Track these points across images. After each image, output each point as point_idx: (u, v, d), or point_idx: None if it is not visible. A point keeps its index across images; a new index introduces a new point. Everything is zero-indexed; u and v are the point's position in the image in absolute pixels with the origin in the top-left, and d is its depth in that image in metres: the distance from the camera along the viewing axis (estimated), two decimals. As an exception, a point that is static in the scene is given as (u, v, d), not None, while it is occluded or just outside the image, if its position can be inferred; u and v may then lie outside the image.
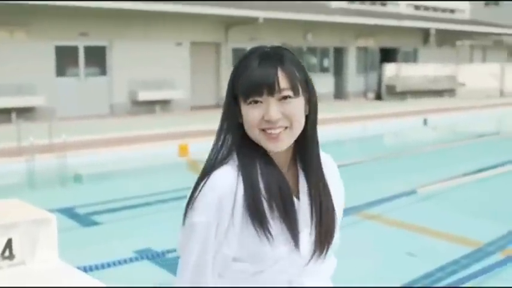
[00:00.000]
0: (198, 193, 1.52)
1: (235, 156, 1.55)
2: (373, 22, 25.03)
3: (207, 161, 1.58)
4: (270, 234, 1.49)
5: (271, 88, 1.48)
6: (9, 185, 10.20)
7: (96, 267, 5.66)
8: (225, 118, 1.59)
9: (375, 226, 7.70)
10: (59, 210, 8.18)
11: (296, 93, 1.52)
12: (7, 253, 3.63)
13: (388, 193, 9.03)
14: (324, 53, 26.12)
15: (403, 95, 26.67)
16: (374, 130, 16.86)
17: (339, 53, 26.61)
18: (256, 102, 1.50)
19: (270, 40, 23.22)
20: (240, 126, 1.55)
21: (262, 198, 1.51)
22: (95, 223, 7.86)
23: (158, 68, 19.91)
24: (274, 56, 1.53)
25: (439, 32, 28.70)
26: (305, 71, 1.58)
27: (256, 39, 22.73)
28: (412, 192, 9.18)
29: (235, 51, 22.48)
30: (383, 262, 6.37)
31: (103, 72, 19.06)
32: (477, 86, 29.39)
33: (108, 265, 5.78)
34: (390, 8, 30.10)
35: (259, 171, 1.53)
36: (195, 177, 1.60)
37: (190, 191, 1.56)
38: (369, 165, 12.13)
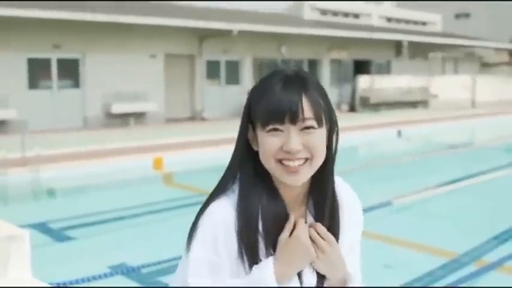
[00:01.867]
0: (198, 225, 1.45)
1: (236, 186, 1.47)
2: (346, 34, 25.21)
3: (214, 188, 1.51)
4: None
5: (294, 116, 1.37)
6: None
7: (71, 283, 5.57)
8: (239, 146, 1.49)
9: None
10: (31, 225, 8.05)
11: (320, 124, 1.41)
12: (-22, 270, 3.55)
13: (364, 205, 9.00)
14: (298, 65, 26.07)
15: (377, 106, 26.87)
16: (348, 142, 16.89)
17: (313, 65, 26.74)
18: (276, 130, 1.39)
19: (244, 52, 23.28)
20: (255, 155, 1.46)
21: (259, 237, 1.43)
22: (69, 238, 7.75)
23: (132, 80, 19.80)
24: (298, 81, 1.42)
25: (411, 44, 29.01)
26: (329, 100, 1.48)
27: (230, 51, 22.75)
28: (388, 203, 9.21)
29: (210, 63, 22.47)
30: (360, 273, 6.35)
31: (76, 84, 18.90)
32: (449, 97, 29.74)
33: (83, 281, 5.69)
34: (363, 20, 30.40)
35: (260, 206, 1.43)
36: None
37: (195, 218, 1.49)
38: (342, 177, 12.13)
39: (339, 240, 1.53)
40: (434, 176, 11.99)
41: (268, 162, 1.42)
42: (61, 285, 5.29)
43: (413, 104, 28.84)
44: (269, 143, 1.40)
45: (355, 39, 26.15)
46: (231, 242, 1.41)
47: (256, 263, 1.42)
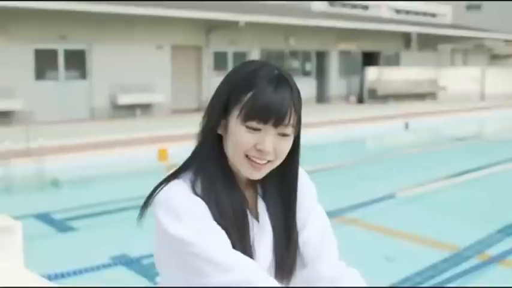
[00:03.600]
0: (168, 204, 1.42)
1: (189, 174, 1.47)
2: (354, 26, 25.09)
3: (178, 168, 1.51)
4: None
5: (278, 122, 1.40)
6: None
7: (75, 273, 5.59)
8: (209, 130, 1.48)
9: (353, 230, 7.66)
10: (34, 215, 8.10)
11: (294, 131, 1.46)
12: (-31, 261, 3.54)
13: (368, 197, 9.02)
14: (306, 56, 26.14)
15: (385, 98, 26.76)
16: (355, 134, 16.87)
17: (321, 56, 26.64)
18: (255, 128, 1.40)
19: (252, 44, 23.22)
20: (219, 139, 1.47)
21: (217, 218, 1.44)
22: (72, 229, 7.76)
23: (139, 71, 19.80)
24: (287, 86, 1.43)
25: (420, 36, 28.85)
26: (301, 105, 1.50)
27: (237, 42, 22.70)
28: (391, 196, 9.17)
29: (217, 54, 22.42)
30: (361, 266, 6.32)
31: (83, 75, 18.92)
32: (458, 89, 29.56)
33: (84, 271, 5.70)
34: (372, 11, 30.26)
35: (218, 192, 1.45)
36: None
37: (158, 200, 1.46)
38: (349, 169, 12.12)
39: (297, 211, 1.58)
40: (440, 169, 11.93)
41: (237, 155, 1.43)
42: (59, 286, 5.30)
43: (421, 96, 28.70)
44: (245, 139, 1.41)
45: (364, 30, 26.02)
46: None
47: None
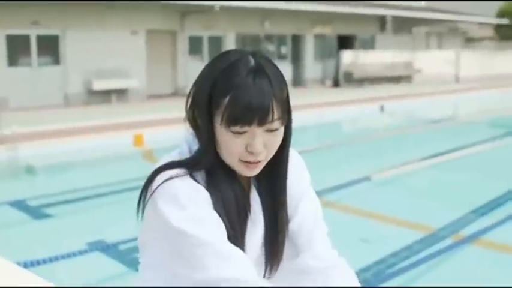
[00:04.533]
0: (168, 192, 1.38)
1: (188, 163, 1.43)
2: (330, 9, 25.08)
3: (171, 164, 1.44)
4: None
5: (263, 119, 1.35)
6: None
7: (50, 260, 5.56)
8: (200, 139, 1.44)
9: (329, 213, 7.69)
10: (9, 203, 8.03)
11: (283, 123, 1.41)
12: None
13: (343, 180, 9.07)
14: (281, 40, 26.11)
15: (361, 82, 26.85)
16: (331, 117, 16.93)
17: (297, 40, 26.63)
18: (240, 132, 1.36)
19: (227, 28, 23.13)
20: (214, 145, 1.42)
21: (222, 213, 1.42)
22: (47, 215, 7.71)
23: (114, 57, 19.62)
24: (266, 79, 1.37)
25: (395, 19, 28.94)
26: (287, 86, 1.45)
27: (213, 27, 22.59)
28: (366, 178, 9.24)
29: (192, 39, 22.30)
30: (337, 248, 6.37)
31: (56, 61, 18.69)
32: (433, 72, 29.75)
33: (60, 258, 5.67)
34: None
35: (220, 181, 1.43)
36: (150, 167, 1.50)
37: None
38: (324, 152, 12.18)
39: (288, 195, 1.55)
40: (415, 151, 12.04)
41: (231, 160, 1.42)
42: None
43: (397, 79, 28.85)
44: (234, 145, 1.38)
45: (339, 14, 26.03)
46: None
47: None
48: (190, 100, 1.45)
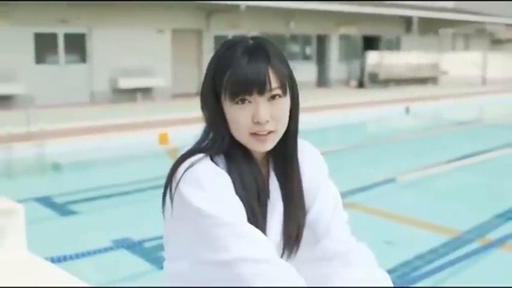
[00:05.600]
0: (190, 176, 1.41)
1: (207, 151, 1.47)
2: (355, 10, 24.99)
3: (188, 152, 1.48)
4: None
5: (261, 87, 1.41)
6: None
7: (77, 256, 5.61)
8: (212, 122, 1.49)
9: (353, 214, 7.66)
10: (36, 199, 8.12)
11: (284, 92, 1.45)
12: (-27, 245, 3.56)
13: (368, 181, 9.03)
14: (306, 40, 26.06)
15: (386, 83, 26.71)
16: (356, 118, 16.86)
17: (322, 40, 26.56)
18: (244, 101, 1.42)
19: (252, 28, 23.14)
20: (226, 126, 1.47)
21: (244, 197, 1.45)
22: (73, 212, 7.78)
23: (139, 55, 19.74)
24: (262, 51, 1.44)
25: (421, 20, 28.73)
26: (289, 66, 1.51)
27: (238, 26, 22.61)
28: (392, 180, 9.18)
29: (217, 38, 22.35)
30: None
31: (83, 59, 18.87)
32: (459, 74, 29.49)
33: (86, 254, 5.73)
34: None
35: (240, 165, 1.47)
36: None
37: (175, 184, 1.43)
38: (349, 153, 12.13)
39: (305, 186, 1.59)
40: (441, 153, 11.94)
41: (241, 135, 1.45)
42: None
43: (422, 81, 28.65)
44: (241, 117, 1.43)
45: (365, 14, 25.91)
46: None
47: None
48: (200, 93, 1.53)
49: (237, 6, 20.61)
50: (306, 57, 25.96)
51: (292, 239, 1.55)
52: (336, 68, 26.95)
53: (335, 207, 1.65)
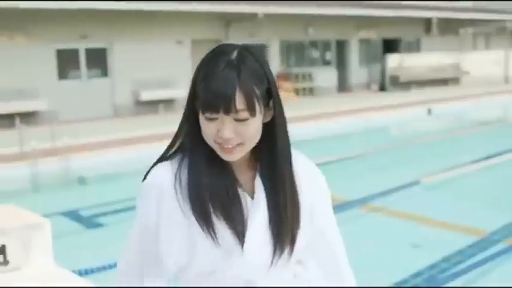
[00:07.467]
0: (143, 181, 1.60)
1: (179, 155, 1.58)
2: (373, 13, 24.92)
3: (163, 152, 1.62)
4: (214, 232, 1.48)
5: (227, 108, 1.43)
6: (12, 190, 10.19)
7: (104, 268, 5.67)
8: (185, 119, 1.59)
9: (379, 218, 7.66)
10: (62, 213, 8.21)
11: (252, 114, 1.46)
12: (1, 259, 3.61)
13: (393, 184, 9.00)
14: (326, 46, 26.05)
15: (407, 85, 26.58)
16: (378, 122, 16.81)
17: (341, 45, 26.53)
18: (212, 114, 1.45)
19: (271, 35, 23.21)
20: (199, 127, 1.53)
21: (206, 198, 1.50)
22: (100, 225, 7.86)
23: (160, 67, 19.88)
24: (235, 70, 1.45)
25: (441, 20, 28.57)
26: (267, 79, 1.51)
27: (257, 34, 22.69)
28: (416, 182, 9.14)
29: (237, 47, 22.40)
30: (388, 254, 6.34)
31: (105, 73, 19.05)
32: (481, 73, 29.26)
33: (110, 266, 5.77)
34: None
35: (206, 171, 1.52)
36: None
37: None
38: (373, 157, 12.09)
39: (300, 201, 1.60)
40: (465, 154, 11.86)
41: (209, 142, 1.51)
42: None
43: (444, 82, 28.46)
44: (207, 128, 1.48)
45: (383, 17, 25.83)
46: (169, 205, 1.53)
47: (207, 220, 1.49)
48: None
49: (255, 14, 20.68)
50: (326, 63, 25.94)
51: (278, 234, 1.54)
52: (357, 72, 26.88)
53: (327, 239, 1.68)
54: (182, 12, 19.25)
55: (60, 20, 17.55)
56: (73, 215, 8.22)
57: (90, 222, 7.97)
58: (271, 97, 1.53)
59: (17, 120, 13.28)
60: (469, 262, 5.73)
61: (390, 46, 28.15)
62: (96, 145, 12.40)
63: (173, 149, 1.60)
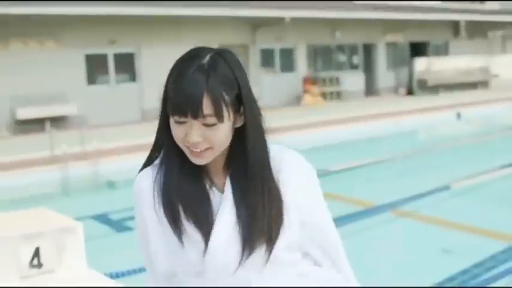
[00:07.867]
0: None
1: (160, 159, 1.59)
2: (401, 17, 24.79)
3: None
4: (181, 233, 1.49)
5: (194, 113, 1.42)
6: (43, 193, 10.32)
7: (134, 272, 5.70)
8: (160, 121, 1.58)
9: (409, 223, 7.60)
10: (92, 217, 8.29)
11: (220, 120, 1.44)
12: (35, 262, 3.66)
13: (422, 189, 8.93)
14: (353, 50, 25.97)
15: (435, 89, 26.36)
16: (407, 126, 16.69)
17: (368, 49, 26.42)
18: (180, 118, 1.45)
19: (298, 39, 23.20)
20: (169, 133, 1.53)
21: (176, 201, 1.51)
22: (129, 228, 7.90)
23: (187, 72, 19.96)
24: (204, 75, 1.44)
25: (469, 23, 28.31)
26: (238, 85, 1.49)
27: (283, 39, 22.70)
28: (446, 187, 9.06)
29: (264, 52, 22.47)
30: (418, 259, 6.29)
31: (133, 78, 19.22)
32: (511, 76, 28.89)
33: (141, 270, 5.80)
34: (418, 1, 29.79)
35: (178, 174, 1.53)
36: None
37: None
38: (402, 162, 12.00)
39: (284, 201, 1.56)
40: (495, 158, 11.72)
41: (179, 145, 1.50)
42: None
43: (473, 85, 28.18)
44: (175, 131, 1.48)
45: (411, 21, 25.68)
46: (148, 211, 1.55)
47: (176, 221, 1.50)
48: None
49: (282, 18, 20.70)
50: (354, 67, 25.86)
51: (246, 233, 1.50)
52: (384, 76, 26.75)
53: (311, 228, 1.61)
54: (210, 17, 19.35)
55: (89, 26, 17.75)
56: (103, 219, 8.29)
57: (119, 226, 8.04)
58: (241, 103, 1.51)
59: (47, 125, 13.46)
60: (501, 268, 5.66)
61: (418, 49, 27.97)
62: (124, 149, 12.50)
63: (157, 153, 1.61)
